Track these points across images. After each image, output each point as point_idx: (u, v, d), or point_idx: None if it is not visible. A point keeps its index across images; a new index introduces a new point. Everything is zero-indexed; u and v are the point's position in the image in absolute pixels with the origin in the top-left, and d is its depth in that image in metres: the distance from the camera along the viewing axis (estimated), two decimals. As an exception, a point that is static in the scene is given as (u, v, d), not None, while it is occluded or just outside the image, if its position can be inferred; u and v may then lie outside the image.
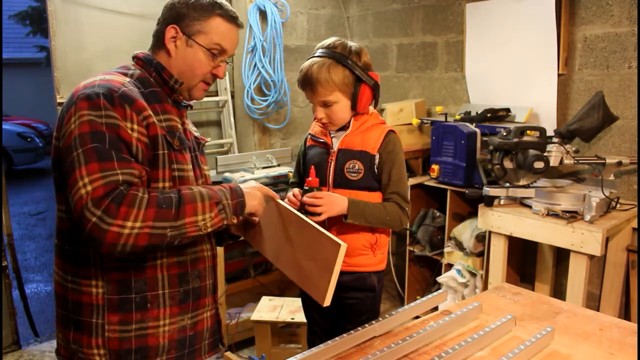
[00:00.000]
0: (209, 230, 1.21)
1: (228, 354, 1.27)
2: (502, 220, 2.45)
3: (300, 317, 2.41)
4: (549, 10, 2.68)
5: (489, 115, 2.82)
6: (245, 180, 2.76)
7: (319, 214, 1.57)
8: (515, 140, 2.36)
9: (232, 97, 3.52)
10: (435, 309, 1.56)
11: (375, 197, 1.70)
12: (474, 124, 2.79)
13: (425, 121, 3.18)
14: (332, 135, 1.74)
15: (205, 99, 3.20)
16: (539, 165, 2.28)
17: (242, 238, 1.53)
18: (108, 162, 1.11)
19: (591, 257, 2.20)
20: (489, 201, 2.49)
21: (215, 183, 1.40)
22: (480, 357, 1.24)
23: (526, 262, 3.00)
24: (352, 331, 1.28)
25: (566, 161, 2.42)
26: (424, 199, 3.24)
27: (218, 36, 1.29)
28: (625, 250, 2.48)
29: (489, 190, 2.46)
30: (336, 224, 1.66)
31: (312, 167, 1.64)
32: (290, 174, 2.96)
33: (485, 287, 2.69)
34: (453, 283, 2.87)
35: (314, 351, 1.19)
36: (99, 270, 1.23)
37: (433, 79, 3.48)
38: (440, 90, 3.44)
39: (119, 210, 1.07)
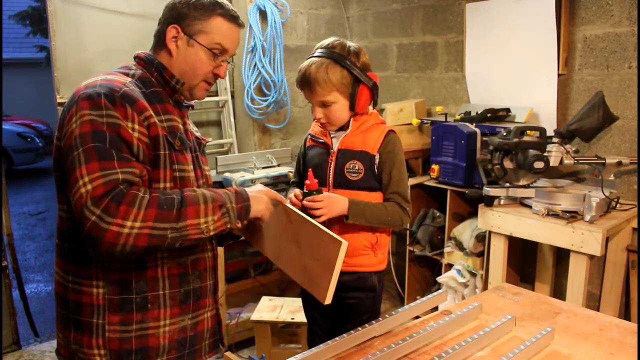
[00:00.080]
0: (212, 233, 1.19)
1: (228, 354, 1.27)
2: (502, 220, 2.45)
3: (300, 317, 2.41)
4: (549, 10, 2.68)
5: (489, 115, 2.83)
6: (245, 181, 2.77)
7: (320, 216, 1.57)
8: (515, 140, 2.36)
9: (232, 97, 3.52)
10: (435, 309, 1.56)
11: (375, 197, 1.70)
12: (474, 124, 2.79)
13: (425, 121, 3.18)
14: (332, 136, 1.74)
15: (206, 99, 3.20)
16: (539, 165, 2.28)
17: (242, 238, 1.53)
18: (108, 161, 1.11)
19: (591, 257, 2.20)
20: (489, 201, 2.49)
21: (215, 183, 1.40)
22: (480, 357, 1.24)
23: (526, 262, 3.00)
24: (352, 331, 1.28)
25: (566, 161, 2.42)
26: (424, 199, 3.24)
27: (219, 36, 1.29)
28: (625, 250, 2.48)
29: (489, 190, 2.46)
30: (337, 224, 1.66)
31: (310, 170, 1.63)
32: (291, 174, 2.97)
33: (485, 287, 2.69)
34: (453, 283, 2.87)
35: (314, 351, 1.19)
36: (99, 271, 1.23)
37: (433, 79, 3.48)
38: (440, 90, 3.44)
39: (118, 210, 1.07)
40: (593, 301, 2.63)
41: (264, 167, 3.07)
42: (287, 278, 3.36)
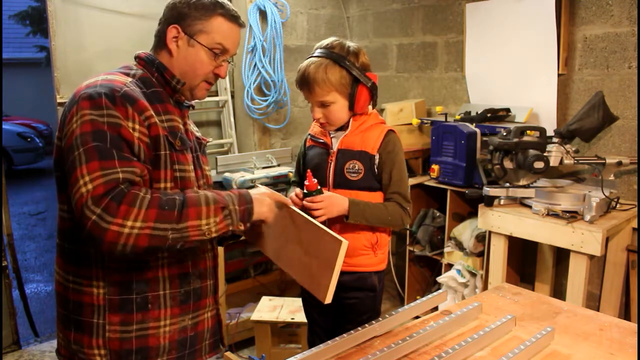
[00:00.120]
0: (214, 235, 1.18)
1: (228, 354, 1.27)
2: (502, 220, 2.45)
3: (300, 317, 2.41)
4: (549, 10, 2.68)
5: (489, 115, 2.83)
6: (245, 181, 2.77)
7: (319, 217, 1.57)
8: (515, 140, 2.36)
9: (232, 97, 3.52)
10: (435, 309, 1.56)
11: (376, 197, 1.70)
12: (474, 124, 2.79)
13: (425, 121, 3.18)
14: (331, 136, 1.74)
15: (206, 99, 3.20)
16: (539, 165, 2.28)
17: (242, 238, 1.53)
18: (109, 160, 1.11)
19: (591, 257, 2.20)
20: (489, 201, 2.49)
21: (215, 183, 1.40)
22: (480, 357, 1.24)
23: (526, 262, 3.00)
24: (352, 331, 1.28)
25: (566, 161, 2.42)
26: (424, 199, 3.24)
27: (220, 36, 1.29)
28: (625, 250, 2.48)
29: (489, 190, 2.46)
30: (337, 224, 1.66)
31: (308, 170, 1.63)
32: (291, 174, 2.97)
33: (485, 287, 2.69)
34: (453, 283, 2.87)
35: (314, 351, 1.19)
36: (100, 271, 1.23)
37: (433, 79, 3.48)
38: (440, 90, 3.44)
39: (118, 209, 1.07)
40: (593, 301, 2.63)
41: (264, 167, 3.07)
42: (287, 278, 3.37)
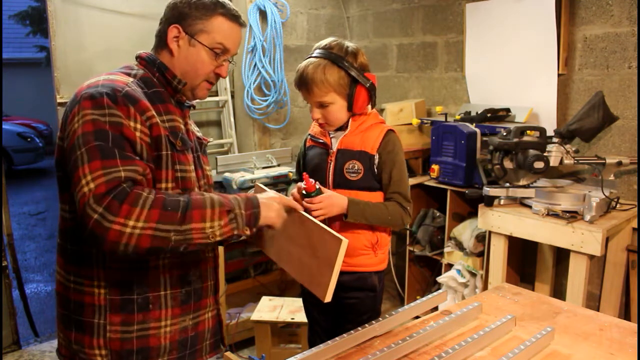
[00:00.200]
0: (218, 239, 1.16)
1: (228, 354, 1.27)
2: (502, 220, 2.45)
3: (301, 317, 2.41)
4: (549, 10, 2.68)
5: (489, 115, 2.83)
6: (245, 181, 2.77)
7: (318, 217, 1.57)
8: (515, 140, 2.36)
9: (232, 97, 3.52)
10: (435, 309, 1.56)
11: (376, 197, 1.70)
12: (474, 124, 2.79)
13: (425, 121, 3.18)
14: (331, 136, 1.74)
15: (206, 99, 3.21)
16: (539, 165, 2.29)
17: (242, 237, 1.53)
18: (110, 159, 1.11)
19: (591, 257, 2.20)
20: (489, 201, 2.50)
21: (215, 183, 1.40)
22: (480, 357, 1.24)
23: (526, 262, 3.00)
24: (352, 331, 1.28)
25: (566, 161, 2.42)
26: (424, 199, 3.24)
27: (220, 35, 1.29)
28: (625, 250, 2.48)
29: (489, 190, 2.46)
30: (337, 224, 1.66)
31: (304, 173, 1.63)
32: (291, 174, 2.97)
33: (485, 287, 2.69)
34: (453, 283, 2.87)
35: (314, 351, 1.20)
36: (101, 271, 1.23)
37: (433, 79, 3.48)
38: (440, 90, 3.44)
39: (120, 208, 1.07)
40: (593, 301, 2.63)
41: (264, 167, 3.07)
42: (287, 278, 3.37)
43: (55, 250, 1.33)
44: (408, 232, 3.23)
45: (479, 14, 3.08)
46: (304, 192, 1.59)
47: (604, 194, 2.29)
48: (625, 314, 2.57)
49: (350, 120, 1.70)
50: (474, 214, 2.90)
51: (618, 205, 2.37)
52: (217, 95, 3.47)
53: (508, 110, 2.88)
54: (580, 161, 2.44)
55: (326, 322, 1.85)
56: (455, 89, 3.35)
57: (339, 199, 1.62)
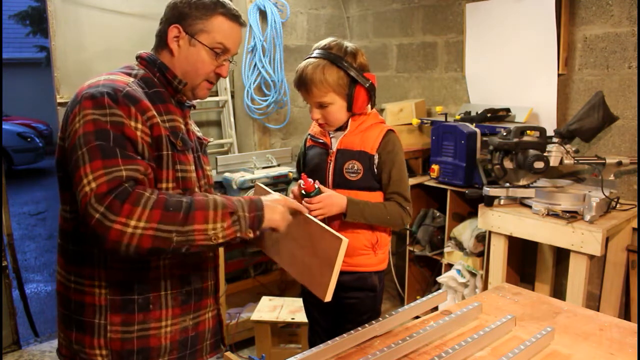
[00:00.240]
0: (221, 241, 1.15)
1: (228, 354, 1.28)
2: (502, 220, 2.45)
3: (301, 317, 2.41)
4: (549, 10, 2.68)
5: (489, 115, 2.83)
6: (245, 181, 2.77)
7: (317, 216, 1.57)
8: (515, 140, 2.36)
9: (232, 97, 3.52)
10: (435, 309, 1.56)
11: (375, 197, 1.70)
12: (474, 124, 2.79)
13: (425, 121, 3.18)
14: (331, 136, 1.74)
15: (206, 98, 3.21)
16: (539, 165, 2.29)
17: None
18: (112, 159, 1.10)
19: (591, 257, 2.20)
20: (489, 201, 2.50)
21: (215, 183, 1.39)
22: (480, 357, 1.24)
23: (526, 262, 3.00)
24: (352, 331, 1.28)
25: (566, 161, 2.42)
26: (424, 199, 3.24)
27: (221, 35, 1.29)
28: (625, 250, 2.48)
29: (489, 190, 2.46)
30: (336, 223, 1.66)
31: (303, 174, 1.63)
32: (291, 174, 2.97)
33: (485, 287, 2.69)
34: (453, 283, 2.87)
35: (314, 351, 1.20)
36: (102, 271, 1.23)
37: (433, 79, 3.48)
38: (440, 90, 3.44)
39: (122, 208, 1.06)
40: (593, 301, 2.63)
41: (264, 167, 3.07)
42: (287, 278, 3.37)
43: (56, 251, 1.33)
44: (408, 232, 3.23)
45: (479, 14, 3.08)
46: (303, 192, 1.60)
47: (604, 194, 2.29)
48: (625, 314, 2.57)
49: (350, 120, 1.70)
50: (474, 214, 2.90)
51: (618, 205, 2.37)
52: (217, 95, 3.47)
53: (508, 110, 2.88)
54: (580, 161, 2.44)
55: (326, 322, 1.85)
56: (455, 89, 3.35)
57: (338, 199, 1.62)
